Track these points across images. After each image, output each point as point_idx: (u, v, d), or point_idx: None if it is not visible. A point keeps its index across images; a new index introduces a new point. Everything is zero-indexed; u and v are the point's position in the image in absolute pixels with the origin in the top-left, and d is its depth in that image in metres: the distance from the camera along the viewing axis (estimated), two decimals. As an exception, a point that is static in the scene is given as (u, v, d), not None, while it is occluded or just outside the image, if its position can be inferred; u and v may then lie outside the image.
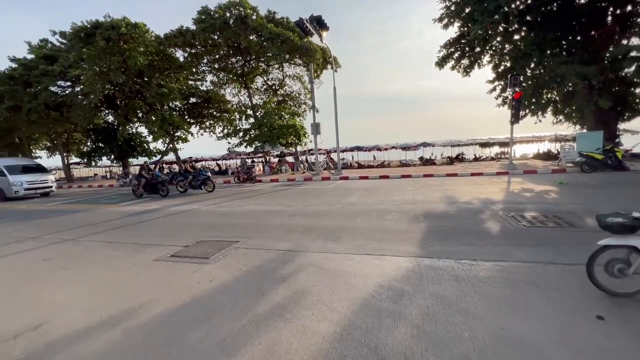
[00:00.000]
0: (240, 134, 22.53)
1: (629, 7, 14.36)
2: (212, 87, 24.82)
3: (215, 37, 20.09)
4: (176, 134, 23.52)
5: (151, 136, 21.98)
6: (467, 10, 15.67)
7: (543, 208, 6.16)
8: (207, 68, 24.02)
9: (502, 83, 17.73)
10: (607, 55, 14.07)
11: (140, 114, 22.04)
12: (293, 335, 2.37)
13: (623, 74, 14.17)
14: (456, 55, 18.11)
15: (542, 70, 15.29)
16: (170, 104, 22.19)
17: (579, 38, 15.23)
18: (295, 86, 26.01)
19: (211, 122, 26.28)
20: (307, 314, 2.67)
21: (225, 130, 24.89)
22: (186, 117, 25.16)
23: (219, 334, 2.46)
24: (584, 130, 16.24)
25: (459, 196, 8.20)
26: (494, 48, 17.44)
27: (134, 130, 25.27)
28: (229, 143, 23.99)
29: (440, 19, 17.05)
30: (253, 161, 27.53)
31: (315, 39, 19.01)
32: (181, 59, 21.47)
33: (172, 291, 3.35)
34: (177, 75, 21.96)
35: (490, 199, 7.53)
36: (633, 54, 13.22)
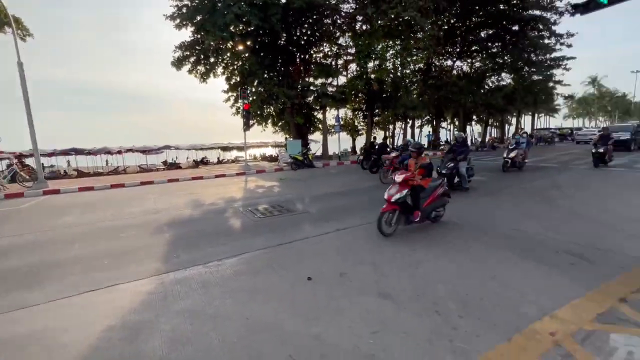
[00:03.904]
0: None
1: (306, 56, 21.06)
2: None
3: None
4: None
5: None
6: (198, 17, 16.08)
7: (271, 200, 7.56)
8: None
9: (235, 94, 20.06)
10: (299, 85, 19.77)
11: None
12: None
13: (309, 100, 20.52)
14: (192, 59, 18.18)
15: (263, 89, 18.85)
16: None
17: (282, 69, 20.22)
18: None
19: None
20: None
21: None
22: None
23: None
24: (291, 139, 21.93)
25: (205, 199, 8.30)
26: (226, 61, 19.28)
27: None
28: None
29: (172, 18, 16.35)
30: None
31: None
32: None
33: None
34: None
35: (233, 197, 8.24)
36: (312, 87, 19.47)
